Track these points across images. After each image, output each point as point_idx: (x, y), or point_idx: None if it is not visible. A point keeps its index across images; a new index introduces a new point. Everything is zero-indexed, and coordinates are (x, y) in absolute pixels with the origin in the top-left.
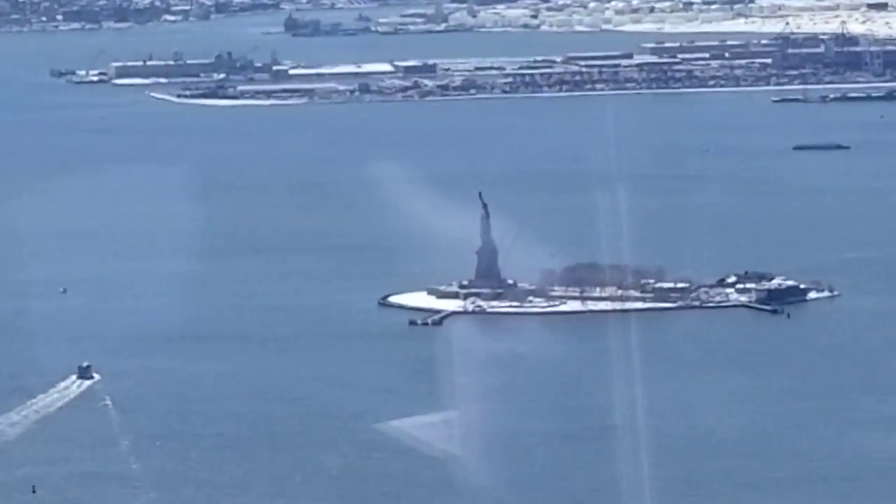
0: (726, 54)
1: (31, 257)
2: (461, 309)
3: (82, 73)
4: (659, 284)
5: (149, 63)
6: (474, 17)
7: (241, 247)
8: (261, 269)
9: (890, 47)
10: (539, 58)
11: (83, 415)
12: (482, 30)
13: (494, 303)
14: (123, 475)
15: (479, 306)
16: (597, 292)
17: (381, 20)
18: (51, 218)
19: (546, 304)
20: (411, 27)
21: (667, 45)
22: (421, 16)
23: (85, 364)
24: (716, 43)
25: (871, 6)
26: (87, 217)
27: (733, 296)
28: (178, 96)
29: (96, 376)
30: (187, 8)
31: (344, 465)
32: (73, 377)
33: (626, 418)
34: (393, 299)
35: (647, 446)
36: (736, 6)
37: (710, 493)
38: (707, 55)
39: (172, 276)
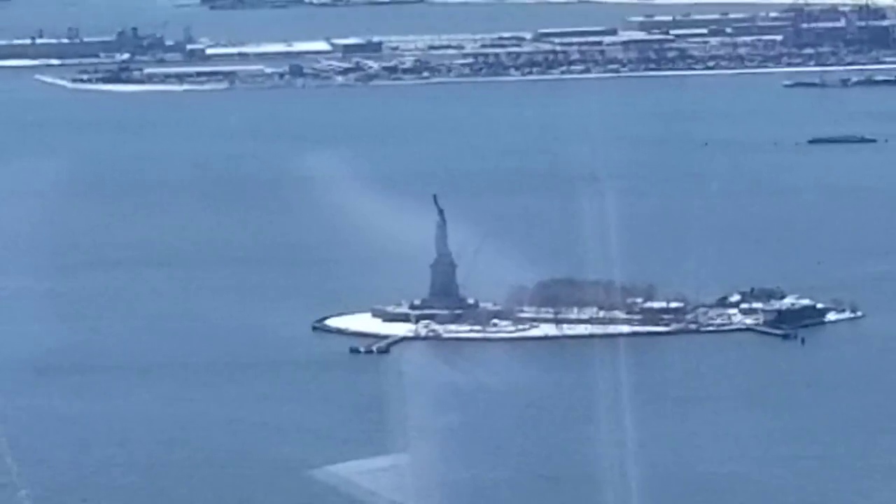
0: (728, 30)
1: None
2: (412, 334)
3: None
4: (648, 304)
5: (38, 41)
6: None
7: (144, 258)
8: (168, 286)
9: None
10: (505, 34)
11: None
12: (437, 0)
13: (452, 326)
14: None
15: (433, 331)
16: (574, 314)
17: None
18: None
19: (514, 328)
20: None
21: (657, 18)
22: None
23: None
24: (716, 16)
25: None
26: None
27: (737, 318)
28: (73, 81)
29: None
30: None
31: None
32: None
33: (610, 466)
34: (331, 322)
35: (634, 499)
36: None
37: None
38: (705, 31)
39: (55, 295)
